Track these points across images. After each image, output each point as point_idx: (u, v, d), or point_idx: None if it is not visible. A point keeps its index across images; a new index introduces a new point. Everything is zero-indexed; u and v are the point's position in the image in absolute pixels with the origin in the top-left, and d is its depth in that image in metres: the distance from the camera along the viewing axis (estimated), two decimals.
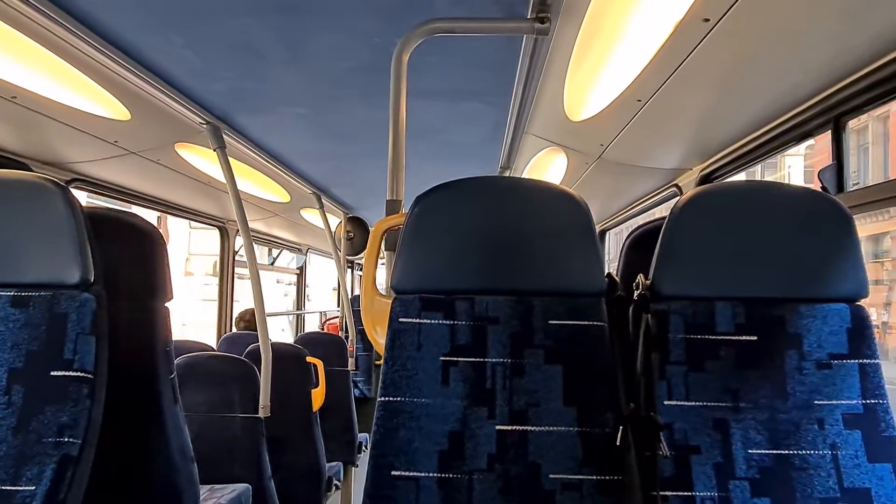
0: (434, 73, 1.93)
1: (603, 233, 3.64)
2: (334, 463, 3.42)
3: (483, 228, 1.14)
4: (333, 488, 3.26)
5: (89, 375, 1.10)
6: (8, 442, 1.05)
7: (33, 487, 1.02)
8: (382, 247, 1.38)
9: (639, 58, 1.48)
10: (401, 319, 1.13)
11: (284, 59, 1.81)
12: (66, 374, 1.09)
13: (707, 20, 1.22)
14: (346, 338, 4.17)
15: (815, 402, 1.04)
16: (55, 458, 1.04)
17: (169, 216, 3.62)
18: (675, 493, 1.01)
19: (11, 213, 1.14)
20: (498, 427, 1.07)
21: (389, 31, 1.61)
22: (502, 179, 1.24)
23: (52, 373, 1.09)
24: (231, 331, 3.97)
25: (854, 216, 1.11)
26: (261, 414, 2.29)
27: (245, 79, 1.97)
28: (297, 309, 6.00)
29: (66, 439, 1.05)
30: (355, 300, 5.33)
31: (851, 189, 1.48)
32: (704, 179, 2.19)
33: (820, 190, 1.43)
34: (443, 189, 1.16)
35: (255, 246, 3.22)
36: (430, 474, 1.05)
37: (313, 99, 2.19)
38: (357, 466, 3.90)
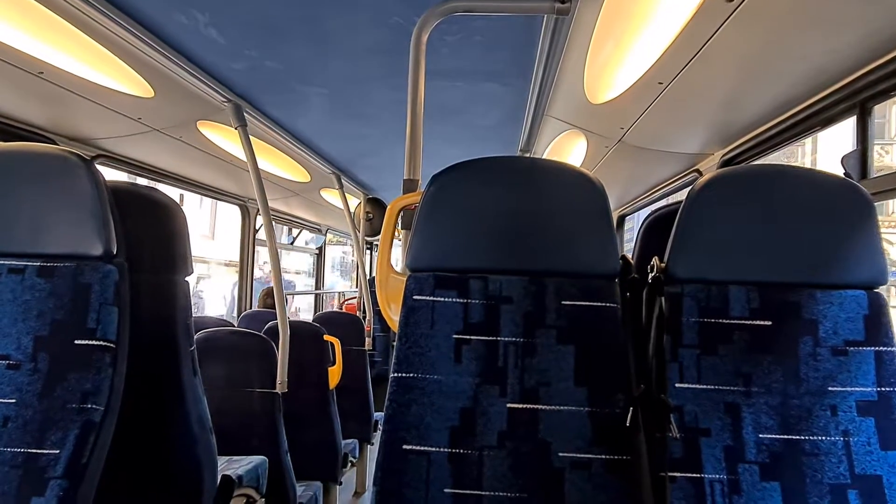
0: (453, 53, 1.93)
1: (622, 218, 3.61)
2: (350, 440, 3.48)
3: (498, 208, 1.14)
4: (349, 464, 3.32)
5: (111, 345, 1.13)
6: (34, 407, 1.09)
7: (57, 451, 1.06)
8: (398, 225, 1.39)
9: (660, 39, 1.46)
10: (415, 297, 1.14)
11: (305, 37, 1.82)
12: (90, 342, 1.12)
13: (730, 1, 1.20)
14: (364, 318, 4.20)
15: (829, 388, 1.04)
16: (78, 424, 1.08)
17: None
18: (683, 475, 1.01)
19: (38, 186, 1.17)
20: (509, 405, 1.08)
21: (409, 10, 1.61)
22: (517, 160, 1.23)
23: (76, 341, 1.12)
24: (252, 308, 4.02)
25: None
26: (278, 389, 2.33)
27: (266, 57, 1.98)
28: (316, 288, 6.05)
29: (90, 406, 1.09)
30: (374, 281, 5.35)
31: (875, 175, 1.45)
32: (726, 164, 2.16)
33: (842, 175, 1.41)
34: (458, 168, 1.16)
35: (274, 225, 3.25)
36: (442, 450, 1.07)
37: (333, 78, 2.20)
38: (373, 444, 3.95)
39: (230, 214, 4.22)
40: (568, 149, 2.76)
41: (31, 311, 1.14)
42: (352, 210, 4.28)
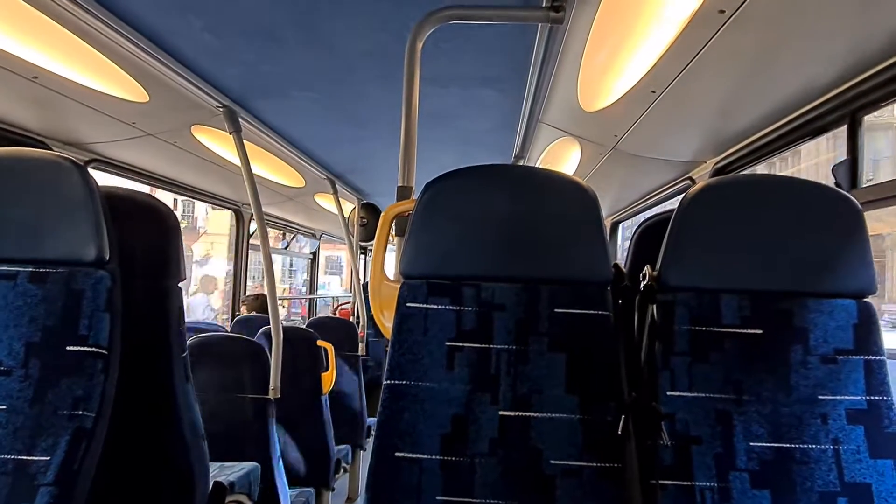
0: (448, 59, 1.93)
1: (616, 224, 3.63)
2: (343, 446, 3.46)
3: (491, 216, 1.15)
4: (341, 470, 3.31)
5: (103, 351, 1.13)
6: (24, 413, 1.08)
7: (48, 458, 1.05)
8: (392, 232, 1.39)
9: (653, 48, 1.47)
10: (408, 304, 1.14)
11: (300, 43, 1.83)
12: (82, 349, 1.12)
13: (722, 11, 1.21)
14: (358, 323, 4.20)
15: (819, 396, 1.04)
16: (69, 430, 1.07)
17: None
18: (674, 483, 1.02)
19: (30, 190, 1.17)
20: (501, 412, 1.08)
21: (404, 16, 1.61)
22: (511, 167, 1.24)
23: (67, 347, 1.12)
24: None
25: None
26: (271, 395, 2.33)
27: (261, 63, 1.99)
28: (310, 293, 6.04)
29: (81, 412, 1.08)
30: (367, 286, 5.34)
31: (865, 185, 1.47)
32: (718, 173, 2.17)
33: (832, 185, 1.42)
34: (452, 176, 1.17)
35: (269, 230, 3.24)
36: (433, 457, 1.07)
37: (328, 84, 2.20)
38: (365, 450, 3.94)
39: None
40: (562, 156, 2.78)
41: (23, 317, 1.13)
42: (346, 215, 4.28)
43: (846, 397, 1.04)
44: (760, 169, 1.97)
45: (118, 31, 1.60)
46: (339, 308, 6.78)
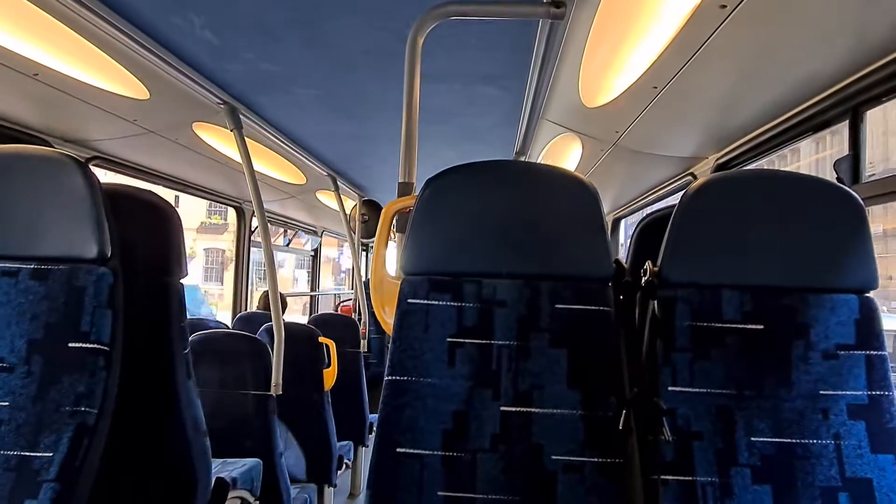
0: (449, 56, 1.93)
1: (617, 221, 3.62)
2: (345, 442, 3.47)
3: (492, 211, 1.14)
4: (343, 467, 3.31)
5: (105, 348, 1.13)
6: (27, 410, 1.09)
7: (51, 454, 1.05)
8: (394, 229, 1.39)
9: (654, 44, 1.47)
10: (409, 300, 1.14)
11: (301, 40, 1.82)
12: (84, 345, 1.12)
13: (724, 6, 1.21)
14: (359, 320, 4.20)
15: (821, 392, 1.04)
16: (72, 427, 1.08)
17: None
18: (675, 478, 1.02)
19: (32, 187, 1.17)
20: (502, 408, 1.08)
21: (405, 13, 1.61)
22: (511, 163, 1.24)
23: (69, 344, 1.12)
24: (246, 310, 4.02)
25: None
26: (273, 391, 2.33)
27: (262, 60, 1.98)
28: (311, 290, 6.05)
29: (83, 409, 1.09)
30: (369, 283, 5.33)
31: (867, 180, 1.46)
32: (720, 168, 2.17)
33: (834, 180, 1.42)
34: (453, 172, 1.17)
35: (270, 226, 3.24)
36: (435, 452, 1.07)
37: (329, 81, 2.20)
38: (367, 446, 3.94)
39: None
40: (563, 152, 2.77)
41: (25, 314, 1.14)
42: (347, 212, 4.28)
43: (847, 392, 1.04)
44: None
45: (119, 28, 1.60)
46: (341, 305, 6.79)
